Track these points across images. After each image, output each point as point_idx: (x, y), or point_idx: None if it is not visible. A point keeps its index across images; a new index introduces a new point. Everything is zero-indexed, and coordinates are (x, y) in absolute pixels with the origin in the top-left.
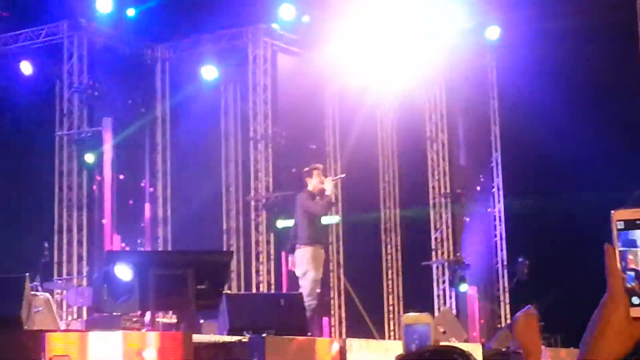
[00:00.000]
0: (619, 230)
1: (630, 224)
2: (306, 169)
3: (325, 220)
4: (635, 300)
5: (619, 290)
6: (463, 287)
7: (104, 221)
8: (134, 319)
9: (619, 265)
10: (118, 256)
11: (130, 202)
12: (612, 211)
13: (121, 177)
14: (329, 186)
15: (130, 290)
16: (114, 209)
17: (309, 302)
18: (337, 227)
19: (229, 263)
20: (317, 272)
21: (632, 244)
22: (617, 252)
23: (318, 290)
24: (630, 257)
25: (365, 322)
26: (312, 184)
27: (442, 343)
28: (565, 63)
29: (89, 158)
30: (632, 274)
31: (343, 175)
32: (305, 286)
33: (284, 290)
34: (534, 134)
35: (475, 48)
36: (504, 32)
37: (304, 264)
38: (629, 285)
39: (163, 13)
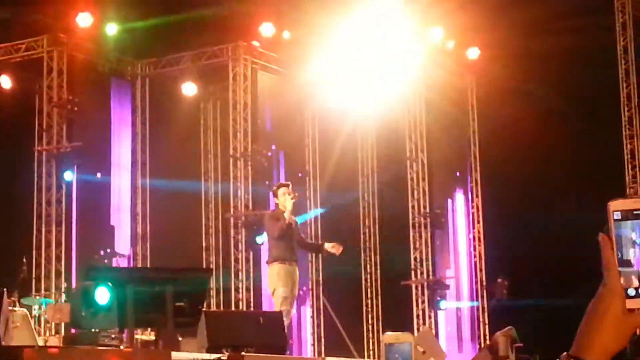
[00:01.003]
0: (615, 220)
1: (628, 214)
2: (274, 187)
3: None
4: (631, 292)
5: (615, 283)
6: (443, 306)
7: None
8: (112, 336)
9: (615, 256)
10: (96, 272)
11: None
12: (609, 202)
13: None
14: (289, 206)
15: (108, 307)
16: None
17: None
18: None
19: (208, 280)
20: (286, 288)
21: (631, 234)
22: (613, 243)
23: (288, 308)
24: (628, 248)
25: (344, 340)
26: (280, 201)
27: None
28: (545, 83)
29: (68, 176)
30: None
31: (296, 194)
32: (276, 303)
33: (264, 308)
34: (513, 153)
35: (455, 68)
36: (484, 52)
37: (272, 281)
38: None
39: (143, 29)
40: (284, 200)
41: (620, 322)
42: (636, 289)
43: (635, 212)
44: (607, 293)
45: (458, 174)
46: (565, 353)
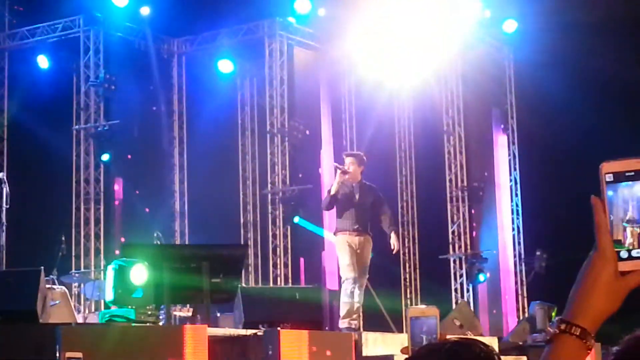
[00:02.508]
0: (607, 182)
1: (620, 176)
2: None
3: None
4: (623, 254)
5: (608, 246)
6: (482, 279)
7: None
8: (149, 312)
9: (607, 219)
10: (133, 250)
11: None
12: (601, 163)
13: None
14: (337, 177)
15: (145, 284)
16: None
17: (345, 286)
18: None
19: (244, 256)
20: (345, 255)
21: (623, 197)
22: (605, 205)
23: (352, 275)
24: (620, 209)
25: (383, 315)
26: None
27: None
28: (583, 56)
29: (106, 154)
30: (627, 225)
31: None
32: (341, 272)
33: (302, 284)
34: (551, 127)
35: (492, 41)
36: (522, 25)
37: (337, 251)
38: (620, 238)
39: (179, 7)
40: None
41: (612, 286)
42: (629, 251)
43: (627, 174)
44: (599, 256)
45: (495, 146)
46: (558, 317)
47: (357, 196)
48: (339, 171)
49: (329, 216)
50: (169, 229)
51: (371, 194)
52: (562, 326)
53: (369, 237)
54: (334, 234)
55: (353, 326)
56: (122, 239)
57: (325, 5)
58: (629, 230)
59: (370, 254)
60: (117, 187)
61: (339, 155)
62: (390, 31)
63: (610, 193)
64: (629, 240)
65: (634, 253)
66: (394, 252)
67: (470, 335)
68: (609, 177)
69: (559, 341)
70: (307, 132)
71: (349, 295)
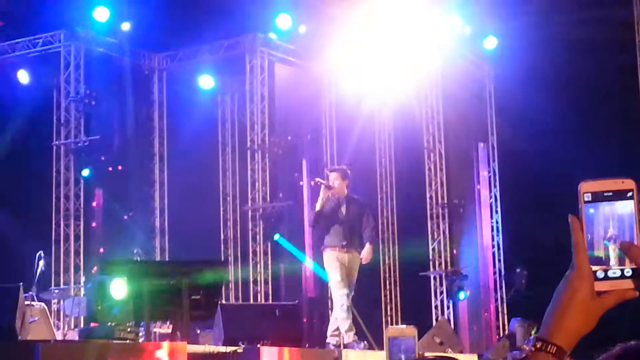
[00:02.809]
0: (586, 202)
1: (598, 196)
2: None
3: None
4: (600, 274)
5: (585, 265)
6: (462, 296)
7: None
8: (129, 329)
9: (585, 238)
10: (112, 266)
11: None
12: (580, 183)
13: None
14: (321, 194)
15: (124, 300)
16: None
17: (340, 303)
18: None
19: (224, 273)
20: (336, 271)
21: (601, 217)
22: (583, 225)
23: (345, 291)
24: (598, 228)
25: (363, 331)
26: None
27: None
28: (563, 73)
29: (86, 170)
30: (608, 243)
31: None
32: (331, 289)
33: (282, 301)
34: (531, 143)
35: (472, 58)
36: (502, 41)
37: (326, 268)
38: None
39: (160, 23)
40: (334, 185)
41: (588, 305)
42: (605, 270)
43: (605, 194)
44: (576, 275)
45: (476, 163)
46: (534, 335)
47: (343, 211)
48: (322, 187)
49: (310, 233)
50: (149, 245)
51: (357, 206)
52: (538, 344)
53: (357, 253)
54: (322, 250)
55: (355, 339)
56: (102, 256)
57: (306, 21)
58: (610, 247)
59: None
60: (97, 203)
61: (321, 171)
62: (371, 47)
63: (588, 212)
64: (611, 259)
65: (610, 273)
66: (362, 262)
67: (450, 353)
68: (588, 197)
69: (535, 359)
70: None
71: (346, 311)
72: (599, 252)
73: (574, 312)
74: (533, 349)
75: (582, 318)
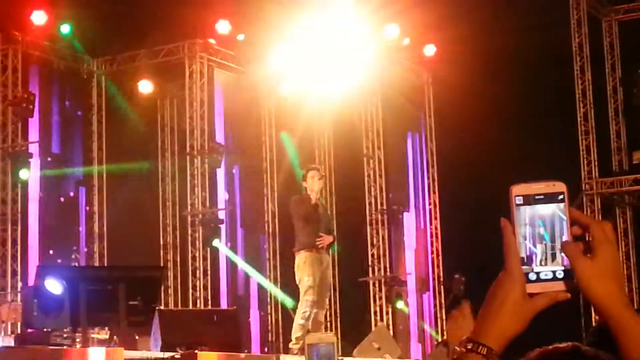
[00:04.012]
0: (517, 205)
1: (529, 199)
2: (303, 171)
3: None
4: (531, 276)
5: (516, 267)
6: (400, 302)
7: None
8: (65, 335)
9: (516, 240)
10: (49, 271)
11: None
12: (510, 186)
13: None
14: (316, 187)
15: (61, 306)
16: (46, 224)
17: (303, 309)
18: (274, 243)
19: (162, 278)
20: (310, 277)
21: (532, 219)
22: (515, 228)
23: (313, 297)
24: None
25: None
26: (309, 185)
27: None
28: (500, 80)
29: (24, 174)
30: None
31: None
32: (301, 293)
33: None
34: (469, 150)
35: (411, 65)
36: (440, 50)
37: (298, 270)
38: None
39: (100, 27)
40: (312, 183)
41: (520, 307)
42: (537, 273)
43: (536, 197)
44: (507, 278)
45: (414, 170)
46: (465, 337)
47: (320, 211)
48: (316, 178)
49: (242, 238)
50: (88, 250)
51: (324, 207)
52: (469, 345)
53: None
54: (297, 251)
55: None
56: (39, 261)
57: (245, 28)
58: (539, 248)
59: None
60: (36, 208)
61: (259, 178)
62: (310, 54)
63: (519, 215)
64: (539, 257)
65: (543, 275)
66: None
67: (388, 358)
68: (519, 200)
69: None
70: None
71: (307, 319)
72: (531, 254)
73: (506, 314)
74: (464, 349)
75: (513, 319)
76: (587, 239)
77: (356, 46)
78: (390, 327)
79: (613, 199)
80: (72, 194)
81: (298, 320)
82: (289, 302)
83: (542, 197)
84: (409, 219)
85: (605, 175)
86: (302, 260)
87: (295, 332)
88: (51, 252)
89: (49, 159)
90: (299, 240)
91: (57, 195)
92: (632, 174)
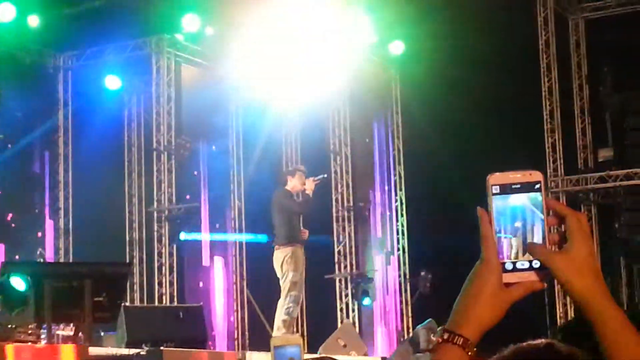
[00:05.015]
0: (494, 194)
1: (506, 188)
2: (290, 168)
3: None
4: (508, 265)
5: (493, 257)
6: (366, 300)
7: None
8: (29, 331)
9: (493, 230)
10: (13, 267)
11: (35, 211)
12: (488, 175)
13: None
14: (309, 185)
15: (25, 302)
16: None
17: (287, 305)
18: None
19: (127, 274)
20: (296, 272)
21: (509, 209)
22: (492, 217)
23: (297, 293)
24: (506, 220)
25: (269, 334)
26: (293, 183)
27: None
28: (467, 78)
29: None
30: (516, 235)
31: (325, 176)
32: (285, 288)
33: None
34: (436, 147)
35: (379, 62)
36: (408, 47)
37: (283, 265)
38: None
39: (66, 22)
40: (299, 182)
41: (496, 297)
42: (513, 262)
43: (513, 187)
44: (484, 267)
45: (381, 167)
46: (441, 327)
47: (304, 206)
48: (311, 179)
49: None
50: (53, 246)
51: None
52: (445, 336)
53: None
54: (279, 245)
55: None
56: (3, 257)
57: (213, 23)
58: (513, 240)
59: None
60: None
61: (226, 174)
62: (278, 50)
63: (496, 204)
64: (513, 250)
65: (519, 265)
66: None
67: (354, 355)
68: (496, 189)
69: (442, 350)
70: (214, 147)
71: (290, 314)
72: (507, 244)
73: (482, 304)
74: (440, 340)
75: (490, 309)
76: (562, 228)
77: (324, 43)
78: (357, 324)
79: (578, 196)
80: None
81: (281, 316)
82: None
83: (518, 186)
84: (375, 216)
85: (571, 172)
86: (287, 255)
87: (280, 330)
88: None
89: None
90: (282, 234)
91: (21, 190)
92: (598, 172)
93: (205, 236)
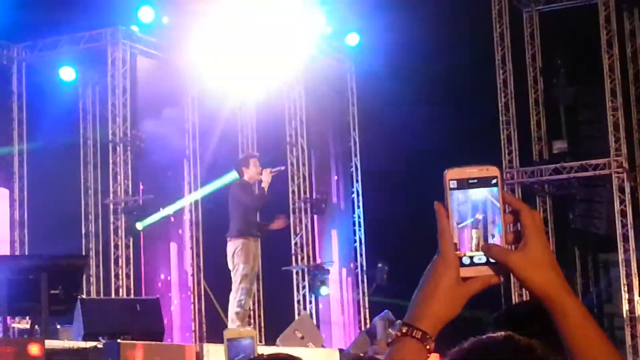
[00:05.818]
0: (451, 189)
1: (463, 183)
2: (241, 157)
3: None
4: (465, 260)
5: (450, 251)
6: (324, 291)
7: None
8: None
9: (450, 224)
10: None
11: None
12: (445, 170)
13: None
14: (265, 178)
15: None
16: None
17: (239, 297)
18: (197, 231)
19: (84, 267)
20: (247, 265)
21: (470, 200)
22: (449, 212)
23: (248, 286)
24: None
25: (225, 326)
26: (249, 173)
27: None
28: (423, 70)
29: None
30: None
31: (282, 168)
32: (236, 281)
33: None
34: (392, 138)
35: (334, 54)
36: (364, 38)
37: (234, 257)
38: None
39: (19, 12)
40: (255, 171)
41: (454, 291)
42: (470, 257)
43: (470, 181)
44: (441, 261)
45: (338, 158)
46: (400, 320)
47: (262, 200)
48: (268, 171)
49: (174, 226)
50: (8, 238)
51: None
52: (404, 329)
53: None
54: (230, 237)
55: None
56: None
57: (168, 13)
58: (474, 232)
59: None
60: None
61: (180, 165)
62: (233, 42)
63: (453, 199)
64: (474, 242)
65: (476, 259)
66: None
67: (311, 347)
68: (453, 184)
69: (400, 344)
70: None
71: (242, 306)
72: (465, 239)
73: (440, 298)
74: (399, 333)
75: (448, 304)
76: (517, 225)
77: (280, 34)
78: (314, 315)
79: (533, 188)
80: None
81: (234, 309)
82: None
83: (475, 181)
84: (332, 208)
85: (526, 164)
86: (238, 247)
87: (234, 322)
88: None
89: None
90: (236, 227)
91: None
92: (552, 164)
93: (163, 212)
